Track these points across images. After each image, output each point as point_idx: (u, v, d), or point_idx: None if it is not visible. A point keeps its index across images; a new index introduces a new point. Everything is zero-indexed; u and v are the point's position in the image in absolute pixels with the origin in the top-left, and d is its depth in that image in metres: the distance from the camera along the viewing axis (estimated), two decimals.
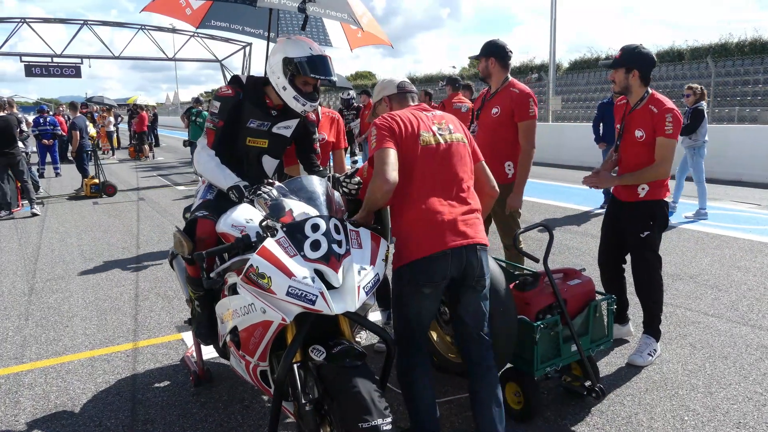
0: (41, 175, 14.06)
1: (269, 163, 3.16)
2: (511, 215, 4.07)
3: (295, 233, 2.21)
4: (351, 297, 2.14)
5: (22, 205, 9.70)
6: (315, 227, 2.22)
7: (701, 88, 7.69)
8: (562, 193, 10.01)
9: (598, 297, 3.18)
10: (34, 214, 9.00)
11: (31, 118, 17.60)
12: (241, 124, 2.97)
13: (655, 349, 3.55)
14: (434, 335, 3.26)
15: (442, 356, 3.19)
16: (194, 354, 3.45)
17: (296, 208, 2.38)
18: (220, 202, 2.90)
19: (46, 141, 13.85)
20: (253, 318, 2.24)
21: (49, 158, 14.52)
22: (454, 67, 26.30)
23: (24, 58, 31.10)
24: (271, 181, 3.08)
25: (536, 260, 2.95)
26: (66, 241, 7.32)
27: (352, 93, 11.60)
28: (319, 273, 2.15)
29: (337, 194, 2.46)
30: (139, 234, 7.63)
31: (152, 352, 3.91)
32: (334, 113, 3.83)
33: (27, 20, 30.61)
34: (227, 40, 27.70)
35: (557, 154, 15.01)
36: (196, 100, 16.48)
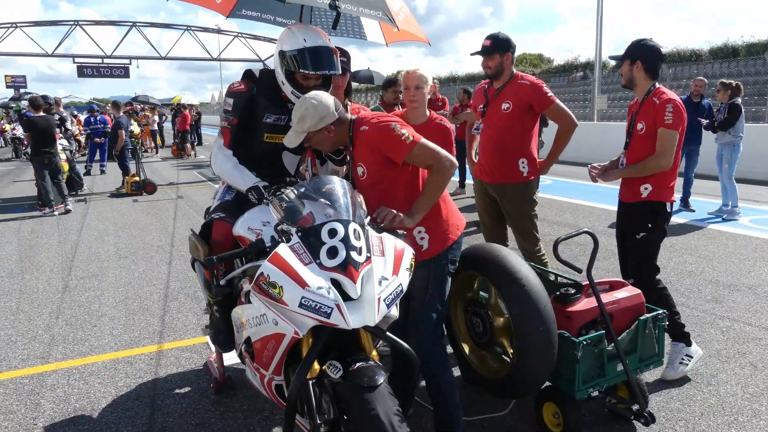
0: (88, 172, 14.44)
1: (289, 160, 2.99)
2: (528, 216, 3.80)
3: (311, 239, 2.04)
4: (370, 310, 1.95)
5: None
6: (332, 232, 2.04)
7: (737, 83, 7.72)
8: (607, 195, 9.55)
9: (648, 311, 2.89)
10: (68, 211, 9.16)
11: (83, 117, 18.13)
12: (258, 120, 2.81)
13: (688, 355, 3.29)
14: (466, 348, 3.03)
15: (473, 370, 2.97)
16: (215, 360, 3.33)
17: (317, 210, 2.20)
18: (239, 203, 2.75)
19: (97, 139, 14.21)
20: (266, 330, 2.08)
21: (97, 156, 14.88)
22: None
23: (76, 60, 32.45)
24: (293, 179, 2.93)
25: (579, 270, 2.69)
26: (103, 238, 7.40)
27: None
28: (336, 283, 1.97)
29: (360, 196, 2.27)
30: (174, 232, 7.65)
31: (176, 356, 3.82)
32: (365, 109, 3.62)
33: (80, 23, 31.87)
34: (270, 39, 28.04)
35: (603, 154, 14.41)
36: None
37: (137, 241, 7.17)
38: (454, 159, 2.48)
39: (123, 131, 11.75)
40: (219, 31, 32.10)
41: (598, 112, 19.43)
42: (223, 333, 2.84)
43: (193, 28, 32.69)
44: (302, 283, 1.91)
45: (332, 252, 2.00)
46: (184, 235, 7.48)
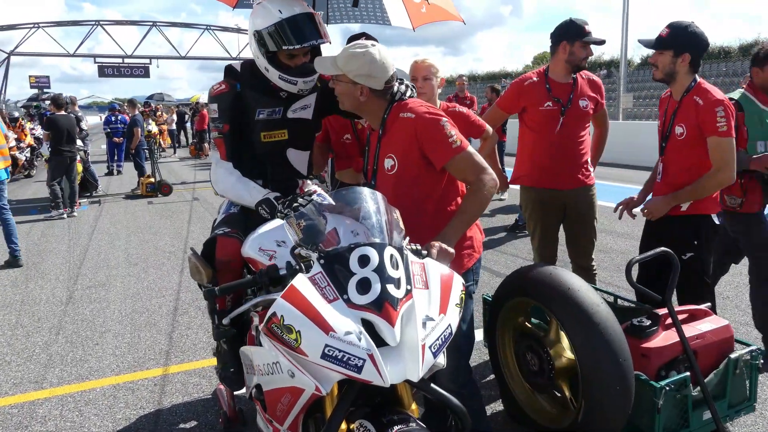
0: (110, 173, 14.24)
1: (297, 158, 2.58)
2: (593, 228, 3.38)
3: (337, 267, 1.61)
4: (412, 360, 1.51)
5: (79, 203, 9.66)
6: (364, 260, 1.61)
7: None
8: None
9: (737, 347, 2.41)
10: (70, 215, 8.85)
11: (103, 116, 17.95)
12: (250, 119, 2.40)
13: None
14: (513, 384, 2.58)
15: (524, 414, 2.51)
16: (225, 391, 2.93)
17: (343, 229, 1.77)
18: (247, 215, 2.34)
19: (116, 139, 14.00)
20: (280, 380, 1.66)
21: (116, 156, 14.67)
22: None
23: (97, 60, 32.60)
24: (311, 189, 2.50)
25: (658, 299, 2.23)
26: (114, 243, 7.07)
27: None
28: (367, 324, 1.54)
29: (396, 211, 1.84)
30: (188, 237, 7.30)
31: (183, 381, 3.43)
32: None
33: (101, 23, 31.94)
34: None
35: (632, 155, 13.80)
36: None
37: (149, 247, 6.83)
38: (497, 178, 2.06)
39: (139, 129, 11.47)
40: (239, 31, 32.03)
41: (623, 110, 18.75)
42: (232, 369, 2.43)
43: (212, 28, 32.71)
44: (326, 328, 1.48)
45: (364, 285, 1.57)
46: (198, 240, 7.11)
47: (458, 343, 2.19)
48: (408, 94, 2.17)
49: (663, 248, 2.29)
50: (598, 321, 1.96)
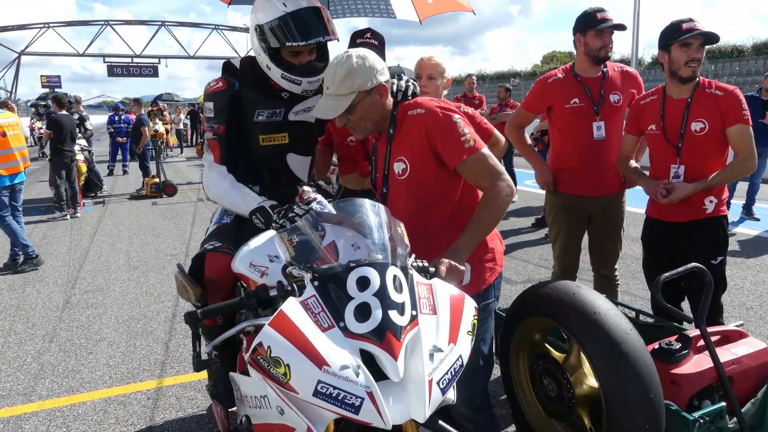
0: (110, 173, 14.15)
1: (298, 164, 2.40)
2: (620, 237, 3.19)
3: (333, 290, 1.42)
4: (418, 398, 1.32)
5: (83, 204, 9.55)
6: (363, 282, 1.42)
7: None
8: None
9: None
10: (73, 216, 8.70)
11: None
12: (248, 121, 2.21)
13: None
14: (527, 407, 2.38)
15: None
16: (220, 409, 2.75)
17: (342, 245, 1.59)
18: (240, 227, 2.16)
19: (120, 139, 13.91)
20: (268, 416, 1.47)
21: (119, 156, 14.59)
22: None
23: (107, 59, 32.71)
24: (310, 197, 2.32)
25: (689, 320, 2.02)
26: (116, 245, 6.93)
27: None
28: (367, 354, 1.36)
29: (400, 225, 1.65)
30: (190, 239, 7.14)
31: (176, 394, 3.26)
32: None
33: (110, 23, 32.04)
34: None
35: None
36: None
37: (150, 249, 6.68)
38: (513, 186, 1.87)
39: (146, 129, 11.35)
40: (247, 30, 31.94)
41: None
42: (223, 386, 2.25)
43: (221, 28, 32.69)
44: (319, 361, 1.29)
45: (363, 311, 1.38)
46: (200, 242, 6.96)
47: (476, 366, 2.01)
48: (411, 90, 1.99)
49: (694, 264, 2.08)
50: (626, 351, 1.76)
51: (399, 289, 1.44)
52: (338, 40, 2.22)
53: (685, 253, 2.64)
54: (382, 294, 1.40)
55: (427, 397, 1.33)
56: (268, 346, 1.31)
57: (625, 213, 3.24)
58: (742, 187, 7.35)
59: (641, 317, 2.74)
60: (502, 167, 1.87)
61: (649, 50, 28.35)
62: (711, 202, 2.63)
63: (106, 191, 11.21)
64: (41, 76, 37.36)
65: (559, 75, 3.11)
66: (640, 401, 1.77)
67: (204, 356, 1.57)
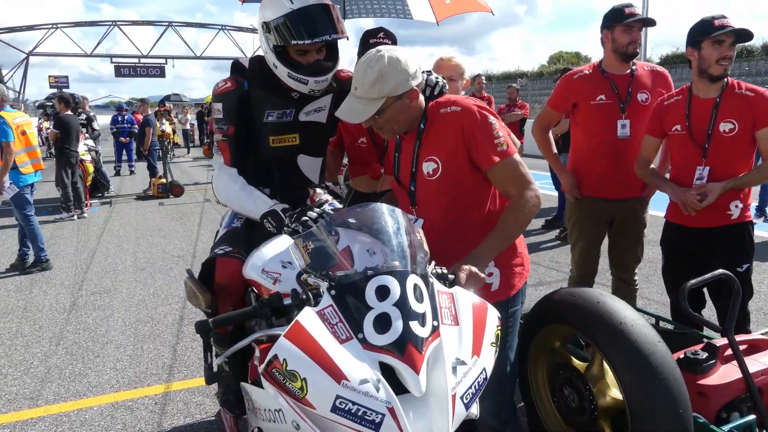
0: (117, 173, 14.15)
1: (309, 165, 2.33)
2: (642, 242, 3.10)
3: (351, 300, 1.36)
4: (441, 413, 1.26)
5: (90, 204, 9.54)
6: (382, 291, 1.35)
7: None
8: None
9: None
10: (80, 217, 8.69)
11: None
12: (258, 122, 2.16)
13: None
14: (544, 413, 2.31)
15: None
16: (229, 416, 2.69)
17: (357, 251, 1.53)
18: (251, 231, 2.10)
19: (123, 139, 13.91)
20: (282, 431, 1.41)
21: (125, 156, 14.59)
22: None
23: (114, 60, 32.82)
24: (322, 199, 2.26)
25: (717, 329, 1.95)
26: (123, 246, 6.89)
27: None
28: (385, 366, 1.29)
29: (419, 230, 1.58)
30: (197, 241, 7.10)
31: (185, 399, 3.20)
32: None
33: (117, 23, 32.14)
34: None
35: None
36: None
37: (157, 250, 6.64)
38: (540, 196, 1.81)
39: (151, 129, 11.34)
40: (253, 31, 31.96)
41: None
42: (233, 393, 2.20)
43: (227, 28, 32.72)
44: (338, 375, 1.23)
45: (382, 322, 1.32)
46: (207, 243, 6.90)
47: (502, 374, 1.94)
48: (439, 88, 1.93)
49: (722, 271, 2.01)
50: (654, 363, 1.68)
51: (420, 298, 1.38)
52: (347, 39, 2.15)
53: (708, 259, 2.56)
54: (402, 304, 1.34)
55: (450, 413, 1.26)
56: (284, 359, 1.25)
57: (647, 218, 3.16)
58: (754, 189, 7.24)
59: (661, 323, 2.67)
60: (531, 176, 1.81)
61: (657, 50, 28.15)
62: (737, 207, 2.55)
63: (113, 191, 11.19)
64: (49, 76, 37.53)
65: (586, 71, 3.02)
66: (668, 415, 1.70)
67: (215, 368, 1.51)
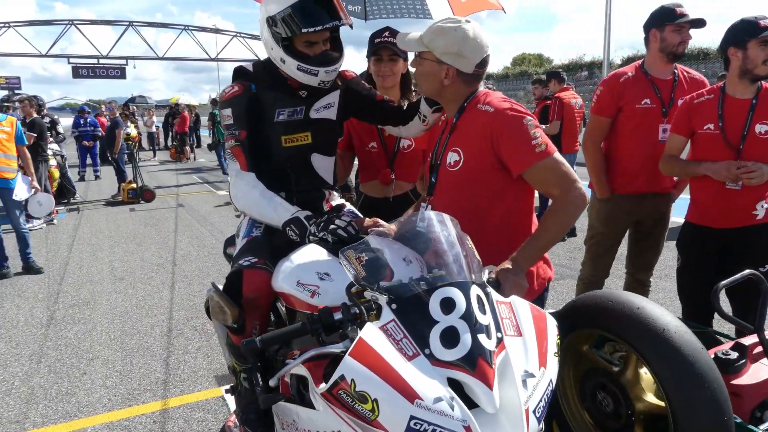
0: (82, 178, 13.63)
1: (323, 165, 2.27)
2: (662, 242, 3.13)
3: (415, 314, 1.29)
4: (516, 429, 1.21)
5: (57, 211, 9.14)
6: (447, 304, 1.29)
7: None
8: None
9: None
10: (49, 224, 8.33)
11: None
12: (268, 123, 2.11)
13: None
14: (572, 418, 2.28)
15: None
16: (237, 424, 2.58)
17: (391, 256, 1.46)
18: (272, 239, 2.01)
19: (86, 143, 13.40)
20: None
21: (89, 160, 14.07)
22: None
23: (71, 60, 31.70)
24: (338, 202, 2.19)
25: (749, 328, 1.95)
26: (97, 255, 6.62)
27: None
28: (454, 383, 1.23)
29: (468, 237, 1.52)
30: (176, 248, 6.87)
31: (185, 416, 3.06)
32: None
33: (75, 22, 31.09)
34: None
35: None
36: (213, 101, 15.97)
37: (134, 259, 6.39)
38: (587, 194, 1.77)
39: (121, 131, 10.95)
40: (217, 31, 31.43)
41: None
42: (254, 411, 2.09)
43: (191, 28, 31.98)
44: (411, 394, 1.16)
45: (449, 336, 1.25)
46: (186, 250, 6.71)
47: None
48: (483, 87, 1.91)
49: (750, 271, 2.01)
50: (700, 371, 1.66)
51: (483, 309, 1.32)
52: (351, 26, 2.13)
53: (730, 260, 2.58)
54: (468, 316, 1.27)
55: (525, 428, 1.21)
56: (352, 379, 1.17)
57: (670, 217, 3.18)
58: None
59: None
60: (574, 173, 1.77)
61: (618, 52, 28.88)
62: (763, 207, 2.55)
63: (79, 197, 10.76)
64: (0, 77, 36.07)
65: (630, 73, 2.99)
66: (714, 422, 1.68)
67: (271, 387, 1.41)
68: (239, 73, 2.22)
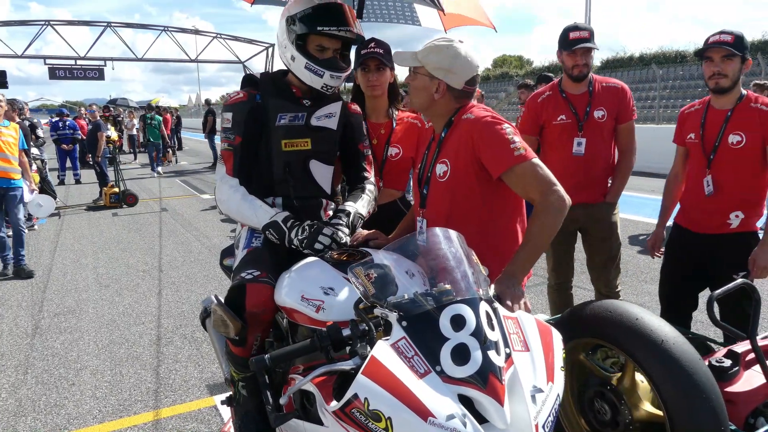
0: (61, 182, 13.42)
1: (321, 173, 2.30)
2: (611, 252, 3.15)
3: (425, 331, 1.30)
4: None
5: (37, 217, 8.96)
6: (457, 321, 1.30)
7: None
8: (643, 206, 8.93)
9: None
10: (30, 229, 8.16)
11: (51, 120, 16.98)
12: (270, 127, 2.17)
13: None
14: (569, 426, 2.31)
15: None
16: None
17: (396, 270, 1.47)
18: (273, 250, 2.02)
19: (65, 146, 13.18)
20: None
21: (68, 164, 13.85)
22: None
23: (48, 61, 31.15)
24: (341, 207, 2.20)
25: (743, 336, 2.00)
26: (80, 261, 6.52)
27: None
28: (465, 400, 1.24)
29: (473, 253, 1.53)
30: (161, 253, 6.80)
31: (178, 427, 3.03)
32: (419, 118, 2.86)
33: (51, 23, 30.59)
34: (250, 41, 27.08)
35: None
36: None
37: (120, 265, 6.31)
38: (567, 197, 1.81)
39: (103, 134, 10.79)
40: (197, 32, 31.05)
41: None
42: (253, 420, 2.08)
43: (170, 29, 31.61)
44: (423, 412, 1.17)
45: (461, 353, 1.26)
46: (172, 256, 6.64)
47: None
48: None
49: (742, 279, 2.06)
50: (698, 382, 1.70)
51: (492, 326, 1.33)
52: (362, 40, 2.27)
53: (708, 265, 2.64)
54: (478, 333, 1.29)
55: None
56: (365, 398, 1.18)
57: (617, 228, 3.21)
58: None
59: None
60: (553, 177, 1.80)
61: (598, 54, 29.30)
62: (737, 217, 2.61)
63: (60, 202, 10.58)
64: None
65: (548, 93, 3.13)
66: (708, 420, 1.72)
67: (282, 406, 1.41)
68: (248, 81, 2.33)
